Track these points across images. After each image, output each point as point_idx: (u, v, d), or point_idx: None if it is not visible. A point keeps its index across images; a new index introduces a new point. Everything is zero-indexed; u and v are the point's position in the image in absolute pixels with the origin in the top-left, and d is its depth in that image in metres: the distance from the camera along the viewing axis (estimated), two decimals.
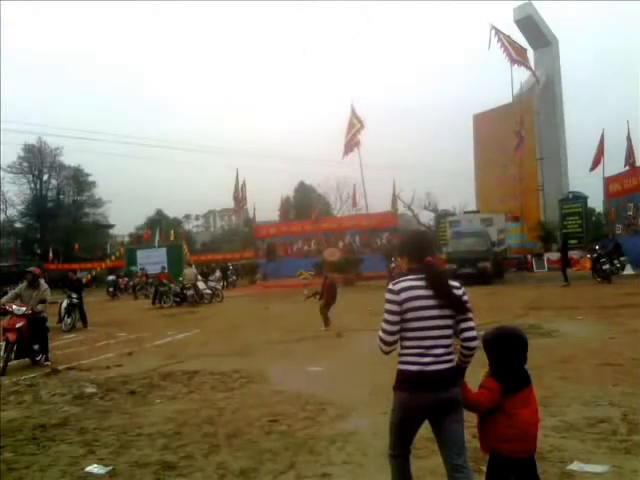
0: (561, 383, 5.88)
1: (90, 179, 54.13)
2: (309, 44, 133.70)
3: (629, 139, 27.31)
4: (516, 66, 37.47)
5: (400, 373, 2.73)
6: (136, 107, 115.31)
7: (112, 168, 64.44)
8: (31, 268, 9.62)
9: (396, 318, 2.68)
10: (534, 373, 2.89)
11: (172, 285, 21.10)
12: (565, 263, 20.43)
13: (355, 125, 34.54)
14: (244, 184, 38.08)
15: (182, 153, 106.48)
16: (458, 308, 2.70)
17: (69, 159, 53.23)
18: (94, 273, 37.18)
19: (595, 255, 19.90)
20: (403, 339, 2.72)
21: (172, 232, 40.16)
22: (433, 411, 2.69)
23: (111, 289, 29.00)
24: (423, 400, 2.65)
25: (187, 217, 75.29)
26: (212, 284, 23.23)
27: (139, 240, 41.23)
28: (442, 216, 37.03)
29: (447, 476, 2.75)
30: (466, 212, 35.31)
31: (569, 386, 5.75)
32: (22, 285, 9.31)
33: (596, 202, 34.67)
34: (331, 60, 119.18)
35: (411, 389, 2.68)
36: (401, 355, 2.74)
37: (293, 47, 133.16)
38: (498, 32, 37.09)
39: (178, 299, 20.28)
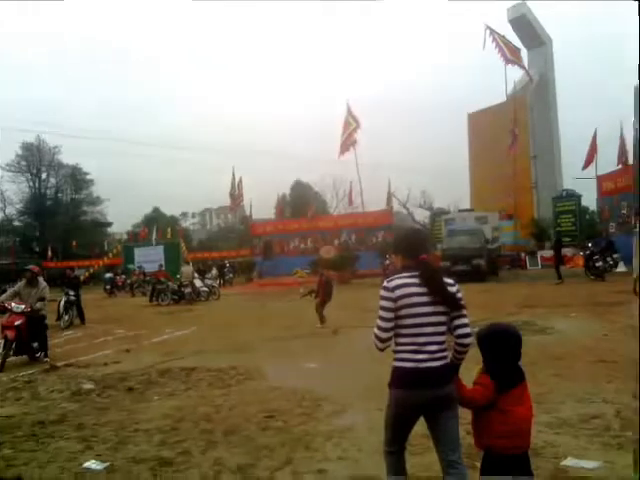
0: (555, 380, 5.93)
1: (88, 177, 54.03)
2: (308, 44, 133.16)
3: (622, 138, 27.48)
4: (510, 66, 37.61)
5: (395, 370, 2.76)
6: (136, 107, 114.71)
7: (110, 166, 64.12)
8: (30, 266, 9.63)
9: (390, 315, 2.70)
10: (528, 370, 2.91)
11: (169, 283, 21.14)
12: (558, 261, 20.44)
13: (351, 124, 34.60)
14: (240, 182, 38.09)
15: (180, 151, 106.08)
16: (452, 305, 2.73)
17: (67, 157, 53.15)
18: (92, 270, 37.12)
19: (587, 252, 19.96)
20: (397, 336, 2.74)
21: (169, 230, 40.05)
22: (428, 408, 2.72)
23: (108, 287, 28.99)
24: (418, 397, 2.68)
25: (184, 215, 74.92)
26: (209, 282, 23.23)
27: (136, 238, 41.05)
28: (437, 214, 37.17)
29: (442, 472, 2.78)
30: (461, 210, 35.41)
31: (563, 383, 5.80)
32: (21, 283, 9.29)
33: (590, 201, 34.89)
34: (330, 60, 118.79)
35: (406, 386, 2.71)
36: (396, 352, 2.76)
37: (292, 47, 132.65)
38: (493, 32, 37.12)
39: (175, 297, 20.31)
